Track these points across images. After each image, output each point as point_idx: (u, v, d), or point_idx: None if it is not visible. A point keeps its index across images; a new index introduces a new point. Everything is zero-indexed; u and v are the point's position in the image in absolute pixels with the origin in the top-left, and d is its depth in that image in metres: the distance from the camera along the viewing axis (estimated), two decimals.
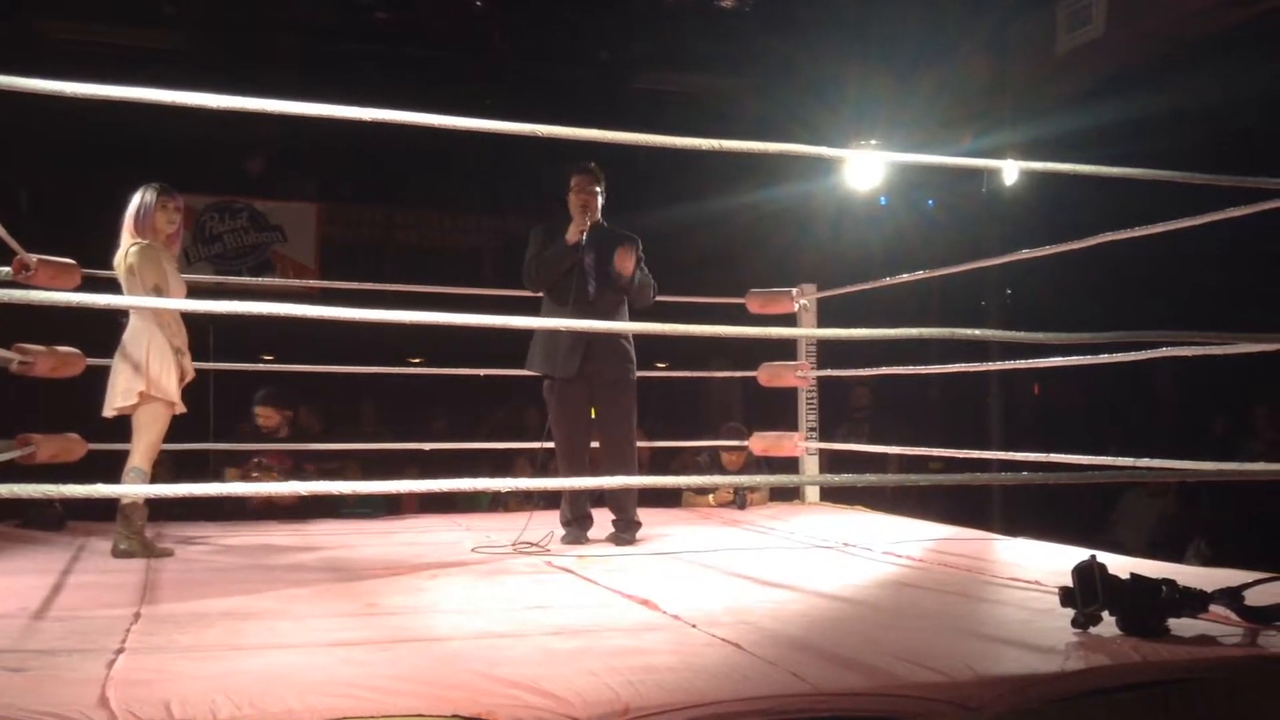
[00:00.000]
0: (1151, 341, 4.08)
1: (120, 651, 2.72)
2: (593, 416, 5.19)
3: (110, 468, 4.71)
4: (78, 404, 5.05)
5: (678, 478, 4.33)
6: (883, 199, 9.83)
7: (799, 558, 4.67)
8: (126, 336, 4.65)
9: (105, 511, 5.11)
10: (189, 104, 2.84)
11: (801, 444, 6.46)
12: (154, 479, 4.71)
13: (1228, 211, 3.93)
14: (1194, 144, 7.17)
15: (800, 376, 6.44)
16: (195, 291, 5.10)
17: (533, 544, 4.81)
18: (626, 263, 4.97)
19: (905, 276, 5.73)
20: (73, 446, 5.03)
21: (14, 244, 4.44)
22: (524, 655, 2.69)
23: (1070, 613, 2.93)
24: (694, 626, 3.06)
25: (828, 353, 6.65)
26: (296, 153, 11.36)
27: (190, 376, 4.81)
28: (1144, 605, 2.87)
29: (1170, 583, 2.91)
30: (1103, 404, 9.01)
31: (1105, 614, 2.88)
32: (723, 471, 6.78)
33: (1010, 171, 7.99)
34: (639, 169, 10.66)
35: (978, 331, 3.90)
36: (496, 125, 3.17)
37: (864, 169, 8.38)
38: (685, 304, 6.01)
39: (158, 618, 3.22)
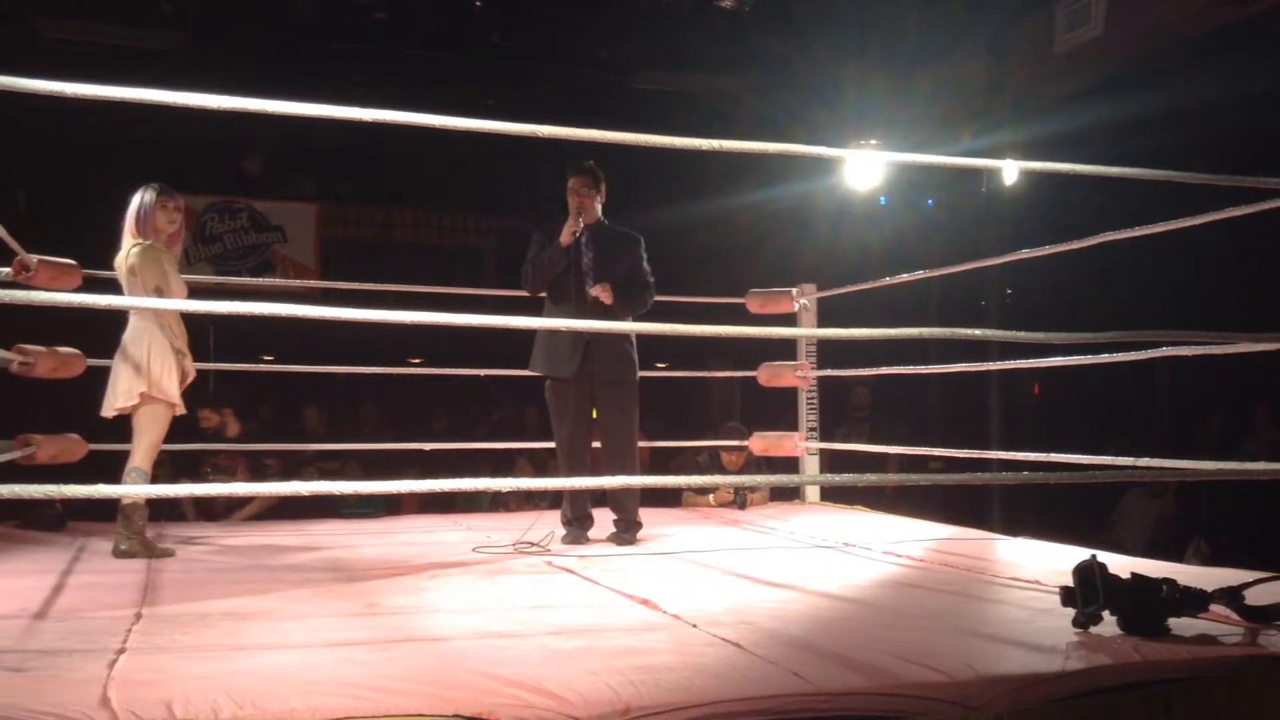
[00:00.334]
0: (1151, 341, 4.08)
1: (121, 651, 2.72)
2: (594, 417, 5.19)
3: (111, 468, 4.71)
4: (78, 404, 5.05)
5: (678, 478, 4.32)
6: (882, 199, 9.84)
7: (799, 557, 4.68)
8: (127, 337, 4.66)
9: (106, 512, 5.12)
10: (189, 104, 2.84)
11: (801, 444, 6.46)
12: (154, 480, 4.71)
13: (1227, 211, 3.93)
14: (1193, 143, 7.18)
15: (800, 376, 6.44)
16: (195, 292, 5.10)
17: (533, 544, 4.81)
18: (603, 296, 4.96)
19: (905, 276, 5.73)
20: (73, 447, 5.03)
21: (14, 244, 4.44)
22: (525, 655, 2.69)
23: (1071, 612, 2.93)
24: (694, 626, 3.06)
25: (828, 352, 6.65)
26: (296, 153, 11.37)
27: (191, 377, 4.81)
28: (1145, 605, 2.87)
29: (1170, 582, 2.92)
30: (1102, 404, 9.01)
31: (1106, 613, 2.88)
32: (723, 471, 6.78)
33: (1010, 171, 7.99)
34: (638, 169, 10.65)
35: (977, 331, 3.90)
36: (496, 125, 3.17)
37: (864, 169, 8.39)
38: (685, 304, 6.01)
39: (159, 618, 3.22)
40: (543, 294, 5.17)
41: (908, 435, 9.28)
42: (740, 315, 6.25)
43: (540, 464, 8.13)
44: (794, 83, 9.44)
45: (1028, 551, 4.59)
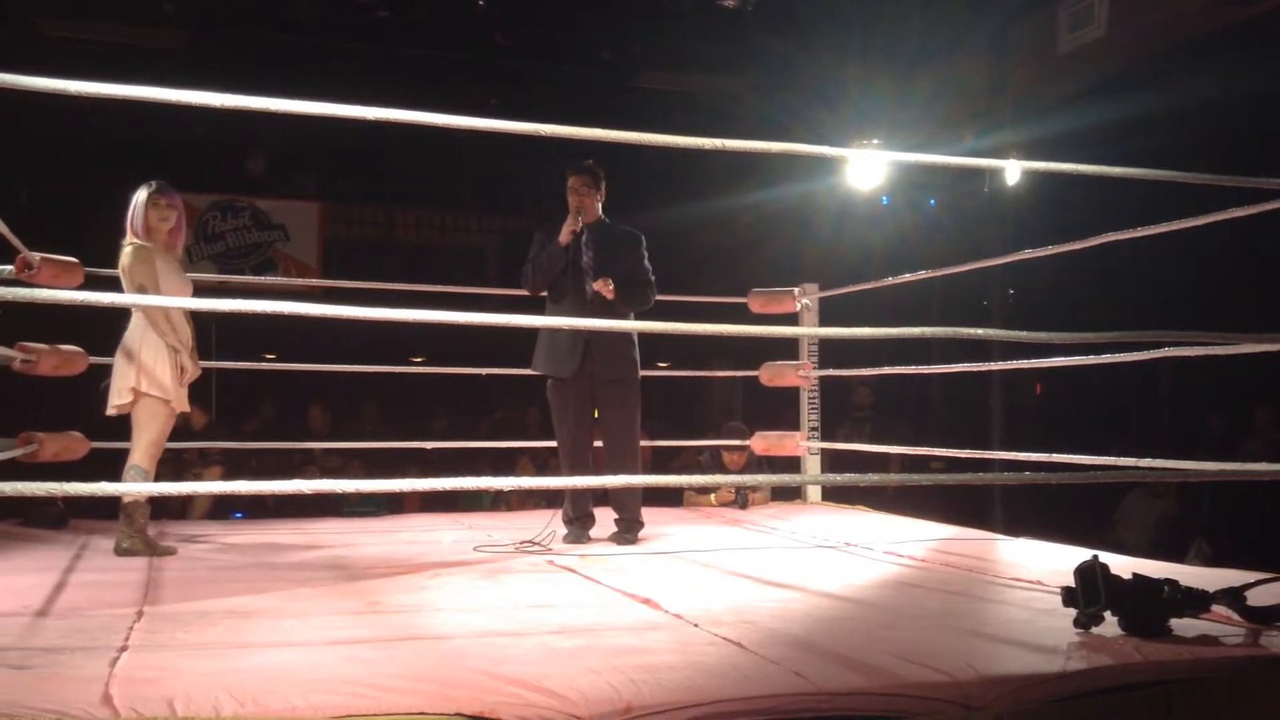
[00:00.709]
0: (1153, 341, 4.08)
1: (123, 649, 2.72)
2: (596, 416, 5.19)
3: (113, 466, 4.71)
4: (80, 402, 5.05)
5: (679, 477, 4.33)
6: (884, 199, 9.84)
7: (801, 557, 4.68)
8: (125, 335, 4.67)
9: (108, 510, 5.12)
10: (191, 103, 2.84)
11: (803, 443, 6.46)
12: (158, 478, 4.71)
13: (1230, 211, 3.93)
14: (1195, 143, 7.18)
15: (802, 376, 6.43)
16: (198, 290, 5.10)
17: (535, 543, 4.81)
18: (604, 290, 4.96)
19: (907, 276, 5.73)
20: (75, 445, 5.03)
21: (17, 242, 4.45)
22: (526, 654, 2.69)
23: (1072, 613, 2.93)
24: (696, 626, 3.06)
25: (829, 352, 6.65)
26: (299, 152, 11.37)
27: (193, 375, 4.81)
28: (1146, 605, 2.87)
29: (1172, 583, 2.92)
30: (1104, 404, 9.01)
31: (1108, 614, 2.88)
32: (724, 471, 6.78)
33: (1012, 171, 8.01)
34: (641, 168, 10.66)
35: (979, 331, 3.90)
36: (499, 124, 3.18)
37: (866, 169, 8.38)
38: (687, 303, 6.01)
39: (161, 616, 3.22)
40: (544, 294, 5.17)
41: (909, 435, 9.28)
42: (742, 315, 6.25)
43: (541, 463, 8.14)
44: (796, 82, 9.44)
45: (1029, 552, 4.59)
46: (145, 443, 4.63)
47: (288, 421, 9.08)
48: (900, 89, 8.74)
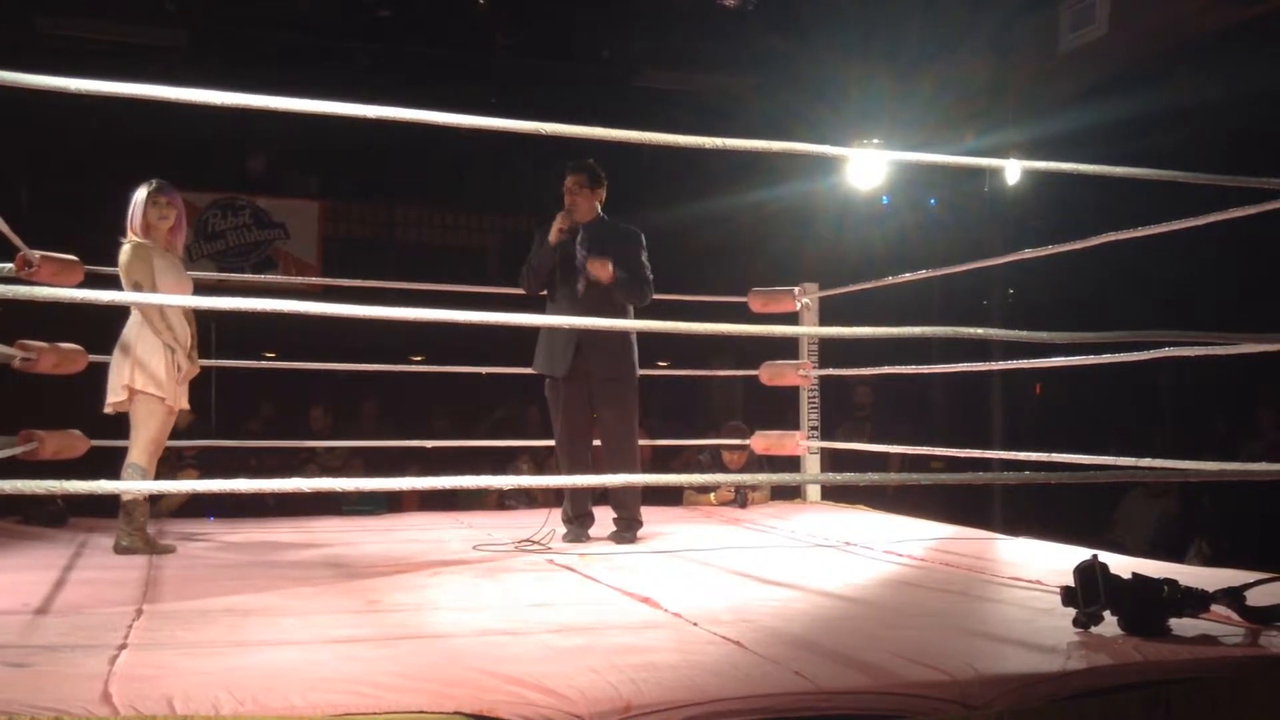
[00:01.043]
0: (1153, 341, 4.08)
1: (123, 647, 2.72)
2: (594, 415, 5.18)
3: (113, 464, 4.71)
4: (80, 400, 5.05)
5: (679, 476, 4.33)
6: (885, 198, 9.84)
7: (800, 556, 4.67)
8: (122, 333, 4.67)
9: (107, 508, 5.12)
10: (192, 100, 2.84)
11: (803, 443, 6.45)
12: (157, 476, 4.71)
13: (1231, 211, 3.92)
14: (1196, 143, 7.18)
15: (802, 375, 6.43)
16: (198, 288, 5.10)
17: (534, 542, 4.81)
18: (600, 271, 4.94)
19: (907, 276, 5.73)
20: (75, 443, 5.03)
21: (17, 240, 4.45)
22: (526, 652, 2.69)
23: (1072, 612, 2.93)
24: (695, 625, 3.06)
25: (829, 352, 6.64)
26: (299, 150, 11.37)
27: (194, 372, 4.81)
28: (1146, 605, 2.87)
29: (1172, 582, 2.92)
30: (1104, 404, 9.01)
31: (1107, 614, 2.88)
32: (724, 470, 6.78)
33: (1012, 171, 8.00)
34: (642, 167, 10.66)
35: (980, 330, 3.90)
36: (500, 123, 3.17)
37: (866, 168, 8.37)
38: (687, 302, 6.01)
39: (160, 614, 3.22)
40: (543, 293, 5.17)
41: (909, 435, 9.28)
42: (742, 314, 6.24)
43: (540, 462, 8.14)
44: (796, 82, 9.45)
45: (1029, 551, 4.59)
46: (143, 441, 4.63)
47: (288, 420, 9.08)
48: (901, 88, 8.74)
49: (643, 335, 5.16)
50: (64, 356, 4.91)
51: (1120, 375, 5.94)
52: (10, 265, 4.61)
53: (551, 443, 5.28)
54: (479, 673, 2.44)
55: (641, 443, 5.37)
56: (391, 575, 4.02)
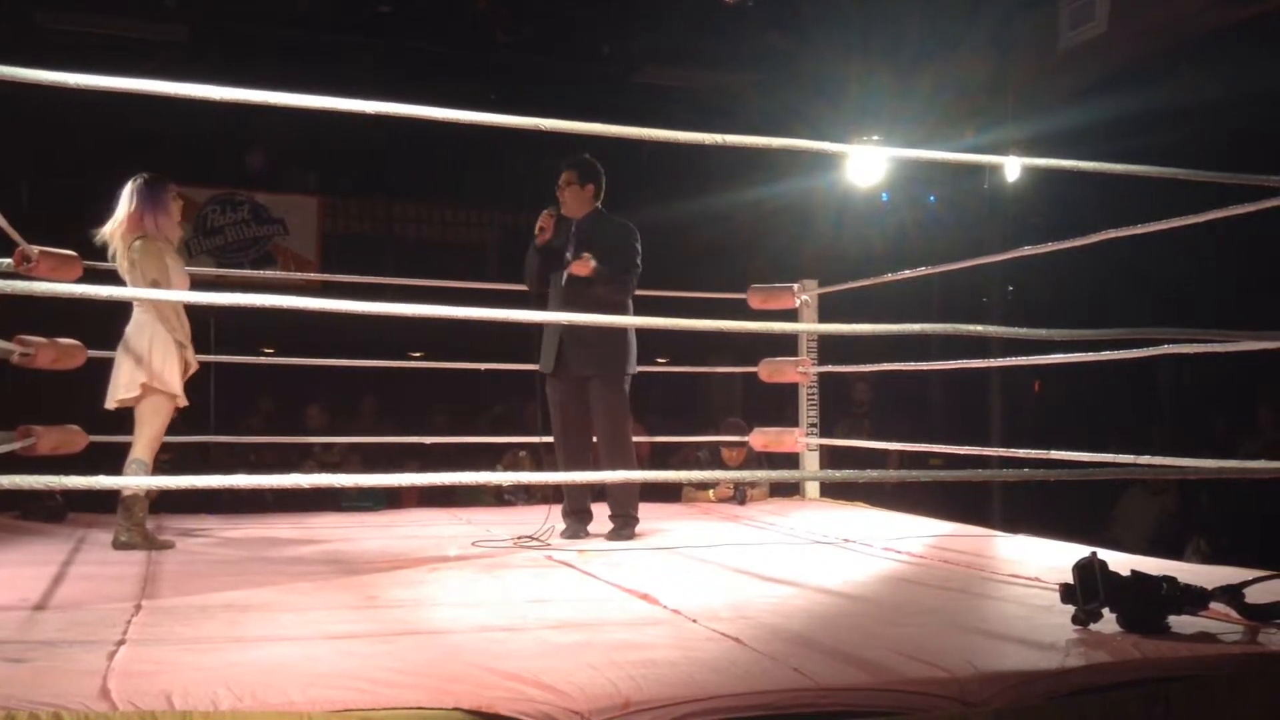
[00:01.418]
0: (1153, 339, 4.08)
1: (121, 643, 2.72)
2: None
3: (112, 460, 4.71)
4: (79, 396, 5.05)
5: (678, 473, 4.32)
6: (884, 195, 9.83)
7: (799, 553, 4.68)
8: (130, 329, 4.66)
9: (106, 503, 5.11)
10: (191, 95, 2.84)
11: (802, 440, 6.46)
12: (155, 472, 4.71)
13: (1230, 209, 3.92)
14: (1196, 141, 7.17)
15: (801, 372, 6.43)
16: (196, 284, 5.10)
17: (533, 538, 4.81)
18: (579, 269, 4.92)
19: (907, 273, 5.73)
20: (74, 438, 5.03)
21: (15, 235, 4.44)
22: (524, 649, 2.69)
23: (1071, 610, 2.93)
24: (694, 621, 3.06)
25: (829, 348, 6.64)
26: (298, 146, 11.36)
27: (194, 369, 4.81)
28: (1145, 602, 2.87)
29: (1171, 580, 2.92)
30: (1103, 401, 9.01)
31: (1106, 611, 2.88)
32: (723, 467, 6.78)
33: (1012, 168, 8.00)
34: (641, 164, 10.65)
35: (979, 328, 3.90)
36: (499, 119, 3.17)
37: (866, 164, 8.37)
38: (687, 299, 6.00)
39: (159, 610, 3.22)
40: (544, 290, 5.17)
41: (908, 432, 9.26)
42: (742, 311, 6.24)
43: (539, 458, 8.14)
44: (796, 78, 9.44)
45: (1028, 549, 4.59)
46: (148, 437, 4.63)
47: (287, 416, 9.07)
48: (901, 85, 8.73)
49: (641, 332, 5.16)
50: (62, 352, 4.91)
51: (1119, 373, 5.95)
52: (9, 260, 4.61)
53: (549, 439, 5.28)
54: (478, 669, 2.44)
55: (641, 439, 5.37)
56: (390, 571, 4.02)
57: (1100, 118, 7.33)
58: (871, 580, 3.96)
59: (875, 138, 8.44)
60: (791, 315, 6.37)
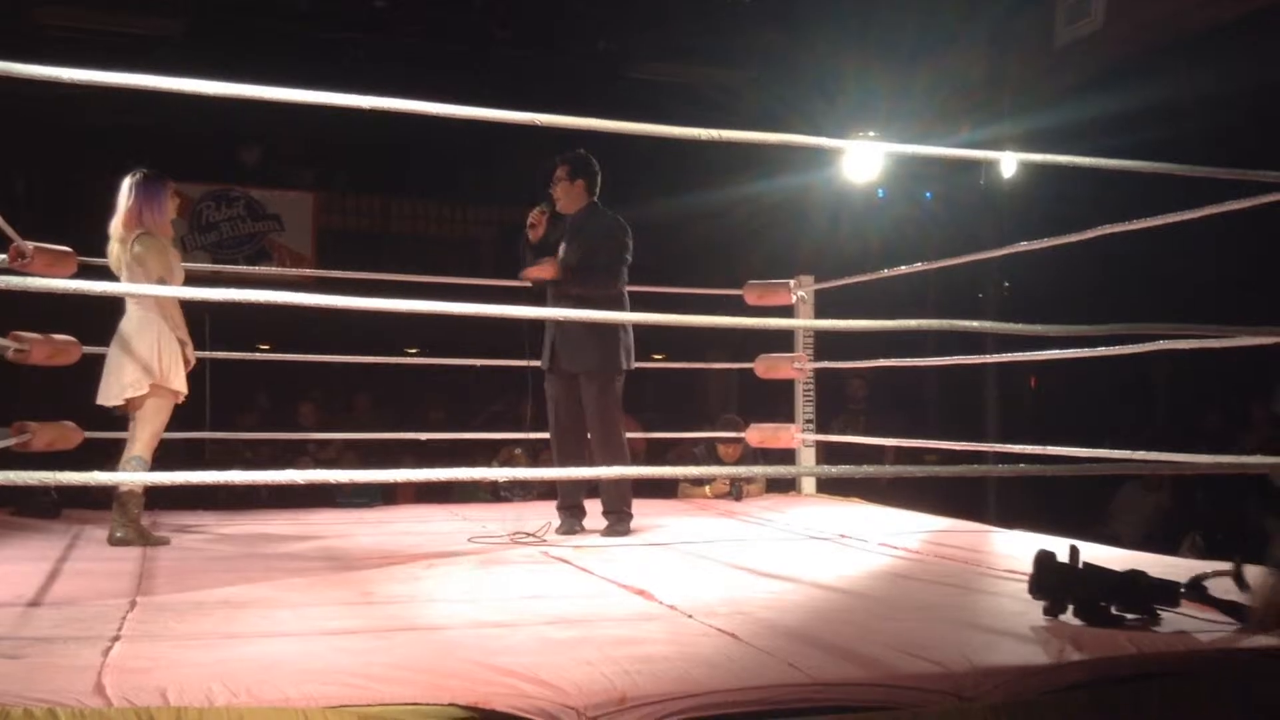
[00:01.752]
0: (1148, 335, 4.08)
1: (116, 639, 2.72)
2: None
3: (107, 455, 4.71)
4: (74, 392, 5.04)
5: (674, 468, 4.33)
6: (880, 191, 9.82)
7: (795, 549, 4.68)
8: (130, 326, 4.62)
9: (102, 499, 5.11)
10: (186, 90, 2.83)
11: (798, 435, 6.46)
12: (152, 468, 4.70)
13: (1226, 204, 3.93)
14: (1192, 137, 7.16)
15: (797, 368, 6.44)
16: (191, 279, 5.09)
17: (529, 534, 4.81)
18: (541, 272, 4.94)
19: (903, 269, 5.73)
20: (69, 434, 5.02)
21: (10, 231, 4.43)
22: (520, 644, 2.69)
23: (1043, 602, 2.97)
24: (690, 617, 3.06)
25: (825, 345, 6.65)
26: (294, 142, 11.33)
27: (192, 364, 4.81)
28: (1097, 595, 2.90)
29: (1141, 574, 2.97)
30: (1099, 397, 9.01)
31: (1106, 604, 2.89)
32: (719, 463, 6.78)
33: (1008, 163, 7.99)
34: (637, 160, 10.63)
35: (975, 323, 3.90)
36: (495, 114, 3.17)
37: (862, 160, 8.36)
38: (683, 295, 6.00)
39: (154, 606, 3.22)
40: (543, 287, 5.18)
41: (904, 427, 9.26)
42: (738, 307, 6.24)
43: (535, 454, 8.13)
44: (793, 74, 9.42)
45: (1023, 544, 4.58)
46: (148, 435, 4.62)
47: (282, 412, 9.06)
48: (897, 81, 8.72)
49: (638, 328, 5.16)
50: (58, 348, 4.91)
51: (1115, 369, 5.94)
52: (3, 256, 4.60)
53: (544, 435, 5.29)
54: (473, 664, 2.44)
55: (636, 435, 5.37)
56: (386, 567, 4.02)
57: (1097, 113, 7.32)
58: (867, 576, 3.96)
59: (872, 133, 8.43)
60: (788, 311, 6.37)
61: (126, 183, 4.74)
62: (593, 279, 4.99)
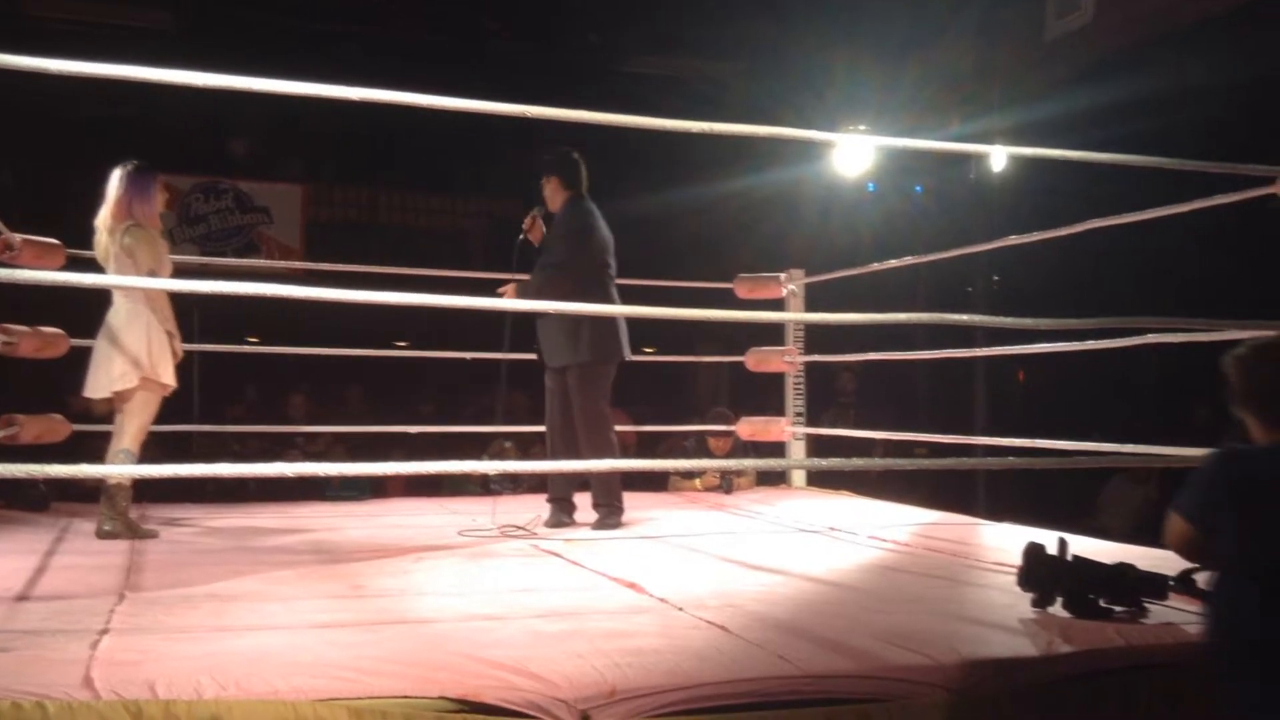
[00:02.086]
0: (1136, 328, 4.09)
1: (105, 632, 2.71)
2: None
3: (95, 449, 4.69)
4: (62, 384, 5.02)
5: (664, 462, 4.33)
6: (871, 185, 9.82)
7: (785, 542, 4.68)
8: (118, 319, 4.60)
9: (90, 493, 5.09)
10: (176, 82, 2.82)
11: (788, 429, 6.46)
12: (139, 461, 4.69)
13: (1215, 198, 3.94)
14: (1182, 130, 7.18)
15: (787, 361, 6.44)
16: (180, 272, 5.07)
17: (519, 527, 4.81)
18: (508, 292, 4.99)
19: (893, 262, 5.73)
20: (57, 427, 5.01)
21: None
22: (510, 637, 2.69)
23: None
24: (680, 609, 3.06)
25: (815, 338, 6.65)
26: (283, 134, 11.30)
27: (179, 357, 4.79)
28: (1122, 588, 2.90)
29: (1129, 567, 2.97)
30: (1088, 390, 9.04)
31: (1094, 597, 2.90)
32: (710, 456, 6.78)
33: (998, 157, 8.00)
34: (628, 153, 10.62)
35: (964, 317, 3.91)
36: (485, 106, 3.17)
37: (852, 154, 8.35)
38: (673, 288, 6.00)
39: (142, 599, 3.21)
40: None
41: (894, 420, 9.28)
42: (728, 300, 6.24)
43: (525, 448, 8.13)
44: (783, 68, 9.42)
45: (1012, 537, 4.59)
46: (136, 428, 4.61)
47: (271, 405, 9.04)
48: (887, 74, 8.72)
49: (629, 320, 5.15)
50: (46, 341, 4.89)
51: (1103, 362, 5.95)
52: None
53: (537, 428, 5.30)
54: (463, 658, 2.44)
55: (627, 428, 5.38)
56: (375, 560, 4.01)
57: (1086, 107, 7.33)
58: (857, 568, 3.97)
59: (862, 127, 8.43)
60: (778, 305, 6.37)
61: (116, 174, 4.72)
62: (541, 277, 5.00)
